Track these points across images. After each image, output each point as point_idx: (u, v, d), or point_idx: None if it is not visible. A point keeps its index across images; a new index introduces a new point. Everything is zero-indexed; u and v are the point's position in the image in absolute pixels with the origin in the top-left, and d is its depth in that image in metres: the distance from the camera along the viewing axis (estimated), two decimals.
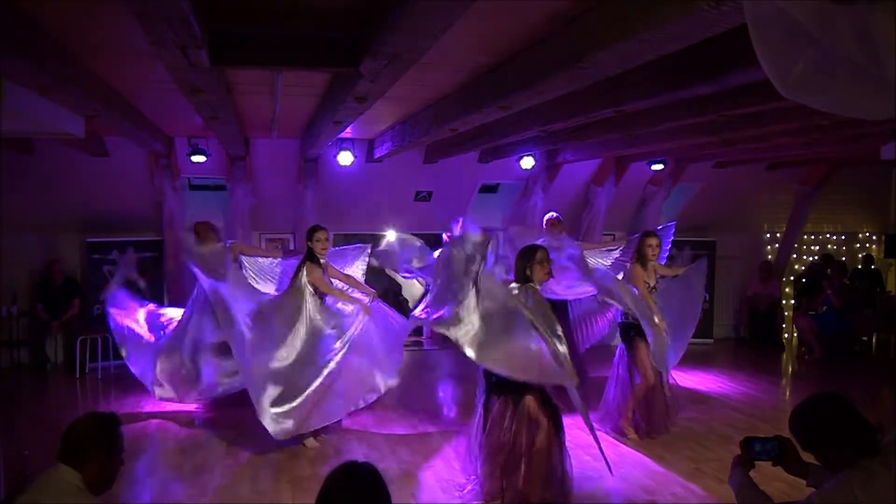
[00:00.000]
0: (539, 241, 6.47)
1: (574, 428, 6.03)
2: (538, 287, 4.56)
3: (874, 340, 10.35)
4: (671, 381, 6.25)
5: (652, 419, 5.99)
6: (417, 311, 4.91)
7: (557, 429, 4.48)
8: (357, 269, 6.53)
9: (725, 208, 10.36)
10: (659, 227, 7.41)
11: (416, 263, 5.91)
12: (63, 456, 2.53)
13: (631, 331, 5.95)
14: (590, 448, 5.64)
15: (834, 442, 2.44)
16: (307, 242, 5.92)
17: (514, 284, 4.62)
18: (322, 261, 5.88)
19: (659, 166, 9.04)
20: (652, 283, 6.02)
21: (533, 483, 4.37)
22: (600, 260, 7.19)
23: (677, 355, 6.32)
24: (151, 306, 7.03)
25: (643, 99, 4.43)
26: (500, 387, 4.46)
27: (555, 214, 7.56)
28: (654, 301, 5.97)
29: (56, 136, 6.12)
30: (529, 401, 4.41)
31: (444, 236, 9.92)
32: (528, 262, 4.54)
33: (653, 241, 6.02)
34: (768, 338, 10.26)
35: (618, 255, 7.06)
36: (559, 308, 7.30)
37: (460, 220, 6.34)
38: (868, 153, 7.97)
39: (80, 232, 8.74)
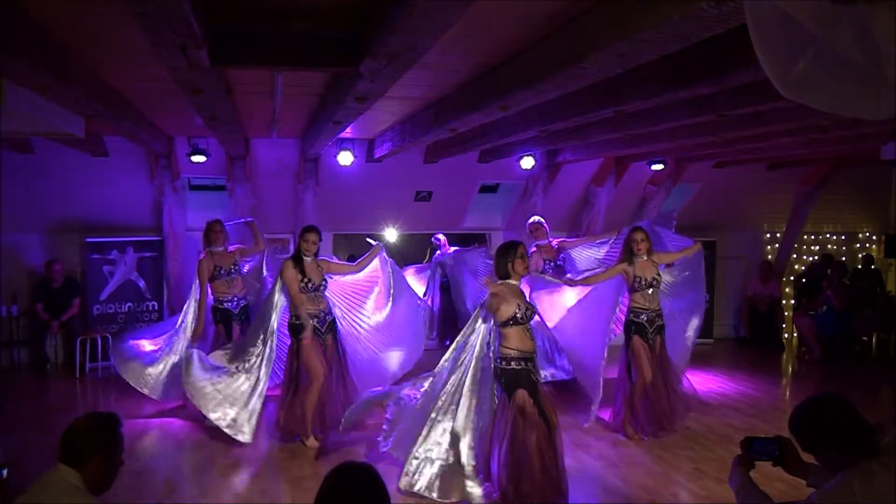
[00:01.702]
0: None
1: (574, 427, 6.06)
2: (516, 282, 4.66)
3: (874, 340, 10.34)
4: (686, 384, 6.22)
5: (655, 418, 5.94)
6: None
7: (551, 427, 4.49)
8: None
9: (725, 208, 10.37)
10: (657, 215, 7.49)
11: None
12: (63, 456, 2.53)
13: (631, 327, 5.96)
14: (589, 448, 5.65)
15: (834, 442, 2.44)
16: (300, 241, 6.00)
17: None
18: (308, 259, 5.89)
19: (659, 166, 9.04)
20: (649, 277, 6.00)
21: (532, 482, 4.37)
22: (593, 252, 7.21)
23: (685, 351, 6.45)
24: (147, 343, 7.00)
25: (643, 99, 4.43)
26: (507, 385, 4.52)
27: (537, 219, 7.53)
28: (655, 296, 6.04)
29: (56, 136, 6.13)
30: (521, 396, 4.44)
31: (435, 238, 9.97)
32: (509, 258, 4.61)
33: (637, 236, 6.00)
34: (768, 338, 10.26)
35: (607, 250, 7.06)
36: None
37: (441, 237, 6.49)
38: (868, 153, 7.97)
39: (80, 232, 8.74)
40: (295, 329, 5.80)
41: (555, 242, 7.51)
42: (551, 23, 3.31)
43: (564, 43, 3.32)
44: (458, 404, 4.69)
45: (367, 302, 6.39)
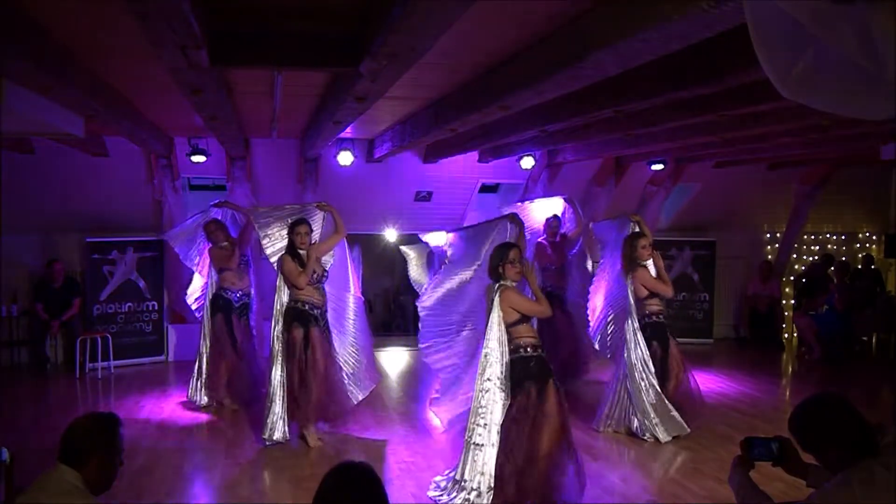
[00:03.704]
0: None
1: (574, 428, 6.05)
2: (510, 284, 4.54)
3: (874, 340, 10.34)
4: (692, 383, 6.21)
5: (688, 412, 5.94)
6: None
7: (565, 428, 4.47)
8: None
9: (725, 208, 10.36)
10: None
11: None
12: (63, 456, 2.53)
13: (665, 332, 5.92)
14: (590, 448, 5.65)
15: (834, 442, 2.44)
16: (289, 236, 5.89)
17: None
18: (304, 251, 5.80)
19: (659, 166, 9.04)
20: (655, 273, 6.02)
21: (538, 483, 4.36)
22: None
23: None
24: None
25: (643, 99, 4.43)
26: (520, 373, 4.46)
27: (553, 214, 7.57)
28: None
29: (56, 136, 6.13)
30: (530, 389, 4.41)
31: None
32: (500, 261, 4.55)
33: (644, 241, 5.96)
34: (768, 338, 10.25)
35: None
36: (554, 301, 7.34)
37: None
38: (868, 153, 7.97)
39: (80, 232, 8.74)
40: (299, 315, 5.73)
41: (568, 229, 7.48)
42: (551, 23, 3.31)
43: (564, 43, 3.31)
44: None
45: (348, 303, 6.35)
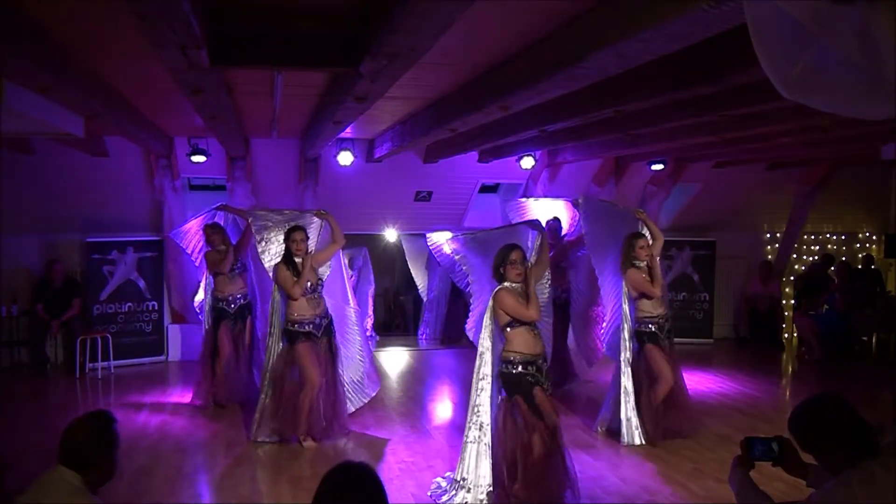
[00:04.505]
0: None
1: (574, 428, 6.07)
2: (512, 286, 4.52)
3: (874, 340, 10.34)
4: (682, 394, 6.14)
5: (674, 420, 5.89)
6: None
7: (551, 429, 4.47)
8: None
9: (725, 208, 10.37)
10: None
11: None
12: (63, 459, 2.55)
13: (643, 337, 5.88)
14: (590, 448, 5.66)
15: (834, 443, 2.44)
16: (285, 243, 5.84)
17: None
18: (299, 259, 5.74)
19: (659, 166, 9.03)
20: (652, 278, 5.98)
21: (531, 486, 4.37)
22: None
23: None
24: None
25: (643, 99, 4.43)
26: (507, 388, 4.49)
27: (551, 219, 7.53)
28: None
29: (56, 136, 6.13)
30: (519, 401, 4.41)
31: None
32: (502, 262, 4.54)
33: (643, 242, 5.93)
34: (768, 338, 10.25)
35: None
36: (561, 308, 7.34)
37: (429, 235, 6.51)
38: (868, 153, 7.97)
39: (80, 232, 8.74)
40: (291, 336, 5.76)
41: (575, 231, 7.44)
42: (551, 22, 3.31)
43: (564, 43, 3.32)
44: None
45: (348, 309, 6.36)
